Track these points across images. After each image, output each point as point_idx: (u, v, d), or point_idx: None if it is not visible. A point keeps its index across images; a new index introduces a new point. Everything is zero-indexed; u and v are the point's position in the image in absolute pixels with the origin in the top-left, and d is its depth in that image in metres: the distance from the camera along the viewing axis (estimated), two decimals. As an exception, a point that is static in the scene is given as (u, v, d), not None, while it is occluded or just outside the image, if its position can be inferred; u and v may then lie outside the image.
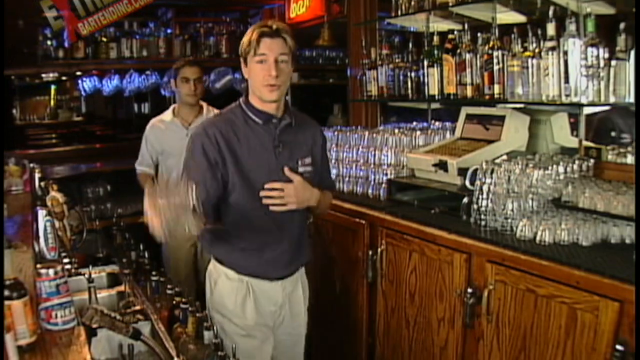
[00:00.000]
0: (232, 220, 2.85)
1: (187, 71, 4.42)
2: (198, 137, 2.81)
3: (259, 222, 2.84)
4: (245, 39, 2.79)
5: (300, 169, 2.87)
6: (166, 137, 4.47)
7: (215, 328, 2.62)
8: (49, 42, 6.12)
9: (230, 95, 5.98)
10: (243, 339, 2.91)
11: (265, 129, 2.83)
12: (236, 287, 2.91)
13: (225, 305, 2.94)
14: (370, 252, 3.55)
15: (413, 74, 4.08)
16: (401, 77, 4.19)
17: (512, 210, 2.94)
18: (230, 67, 6.83)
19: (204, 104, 4.59)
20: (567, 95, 2.95)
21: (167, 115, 4.56)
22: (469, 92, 3.53)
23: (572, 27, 2.92)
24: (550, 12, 2.99)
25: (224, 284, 2.94)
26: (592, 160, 3.12)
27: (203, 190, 2.62)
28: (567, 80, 2.93)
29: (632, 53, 2.75)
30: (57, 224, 2.98)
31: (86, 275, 3.01)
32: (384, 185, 3.79)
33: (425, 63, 3.88)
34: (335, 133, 4.35)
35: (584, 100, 2.92)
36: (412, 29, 4.57)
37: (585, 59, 2.86)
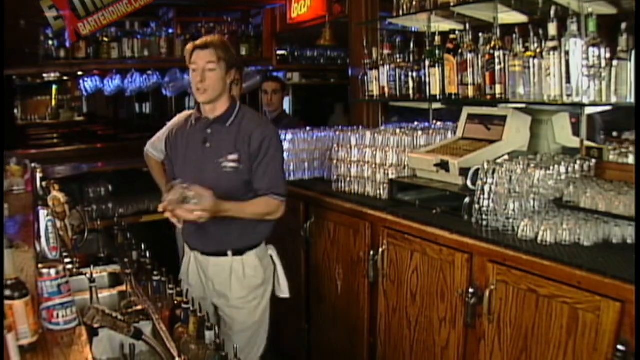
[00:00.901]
0: None
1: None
2: None
3: None
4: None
5: (224, 164, 3.26)
6: None
7: (216, 328, 2.63)
8: (50, 42, 6.11)
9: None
10: None
11: (197, 128, 3.38)
12: (187, 254, 3.60)
13: None
14: (371, 252, 3.55)
15: (414, 74, 4.07)
16: (402, 77, 4.19)
17: (514, 210, 2.94)
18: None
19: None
20: (568, 95, 2.95)
21: None
22: (470, 92, 3.53)
23: (573, 27, 2.91)
24: (552, 12, 2.98)
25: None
26: (593, 161, 3.12)
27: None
28: (568, 80, 2.93)
29: (633, 53, 2.75)
30: (58, 223, 2.99)
31: (87, 275, 3.01)
32: (385, 185, 3.79)
33: (427, 63, 3.88)
34: (337, 133, 4.36)
35: (585, 101, 2.91)
36: (413, 29, 4.57)
37: (587, 59, 2.85)
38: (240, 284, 3.39)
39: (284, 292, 3.59)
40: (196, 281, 3.50)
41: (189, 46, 3.27)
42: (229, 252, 3.37)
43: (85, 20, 5.49)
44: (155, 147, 4.59)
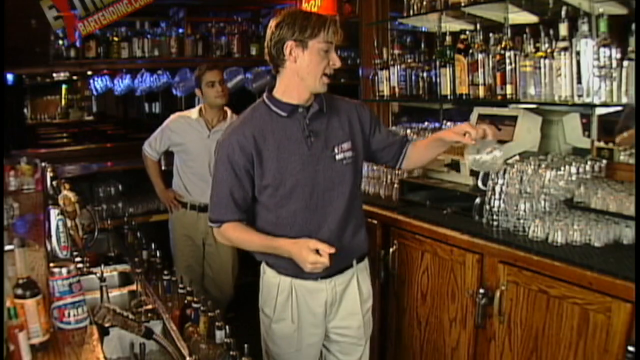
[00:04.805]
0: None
1: (210, 75, 4.45)
2: (223, 146, 2.71)
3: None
4: (309, 22, 2.57)
5: (339, 156, 2.72)
6: (188, 134, 4.55)
7: (226, 327, 2.63)
8: (60, 42, 6.12)
9: (241, 95, 5.89)
10: None
11: (292, 121, 2.69)
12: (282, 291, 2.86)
13: None
14: (382, 252, 3.54)
15: (425, 74, 4.06)
16: (413, 77, 4.18)
17: (525, 210, 2.94)
18: (241, 66, 6.83)
19: (228, 110, 4.65)
20: (579, 96, 2.93)
21: (193, 113, 4.62)
22: (481, 92, 3.51)
23: (584, 28, 2.90)
24: (563, 12, 2.97)
25: None
26: (604, 161, 3.10)
27: (231, 200, 2.70)
28: (579, 81, 2.91)
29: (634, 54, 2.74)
30: (69, 223, 3.00)
31: (98, 274, 3.03)
32: (396, 185, 3.79)
33: (438, 63, 3.86)
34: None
35: (596, 101, 2.90)
36: (424, 29, 4.55)
37: (598, 59, 2.84)
38: (365, 296, 2.96)
39: None
40: (302, 317, 2.84)
41: (322, 19, 2.60)
42: (354, 261, 2.88)
43: (85, 20, 5.47)
44: (151, 147, 4.64)
